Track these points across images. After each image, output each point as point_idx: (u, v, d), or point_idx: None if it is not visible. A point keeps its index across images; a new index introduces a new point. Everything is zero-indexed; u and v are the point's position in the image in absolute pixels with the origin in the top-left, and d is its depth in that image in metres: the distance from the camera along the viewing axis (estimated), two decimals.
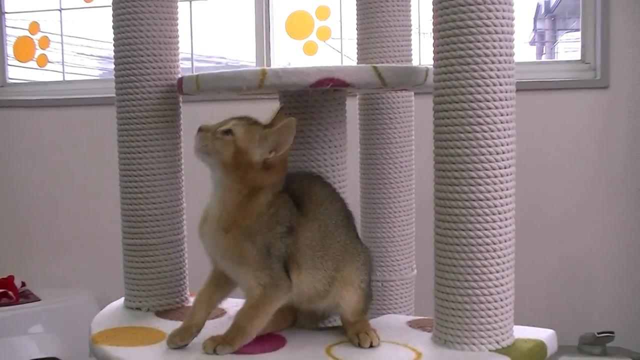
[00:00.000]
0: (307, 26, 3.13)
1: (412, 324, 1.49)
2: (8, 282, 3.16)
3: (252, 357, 1.28)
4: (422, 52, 3.06)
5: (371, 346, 1.33)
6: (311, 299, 1.37)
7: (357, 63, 1.86)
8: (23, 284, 3.26)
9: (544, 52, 3.49)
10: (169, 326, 1.45)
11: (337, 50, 3.17)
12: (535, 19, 3.40)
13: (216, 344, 1.28)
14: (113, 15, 1.64)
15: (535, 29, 3.41)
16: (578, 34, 2.96)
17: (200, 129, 1.30)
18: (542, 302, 2.86)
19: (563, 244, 2.87)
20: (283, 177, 1.33)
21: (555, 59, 3.24)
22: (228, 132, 1.29)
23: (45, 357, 2.96)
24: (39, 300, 3.12)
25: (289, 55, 3.20)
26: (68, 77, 3.59)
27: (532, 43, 3.42)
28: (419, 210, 1.89)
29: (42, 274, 3.42)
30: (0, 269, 3.32)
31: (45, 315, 3.06)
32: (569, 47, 3.24)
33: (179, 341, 1.33)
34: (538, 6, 3.40)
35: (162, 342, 1.37)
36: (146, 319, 1.59)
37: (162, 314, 1.63)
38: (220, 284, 1.37)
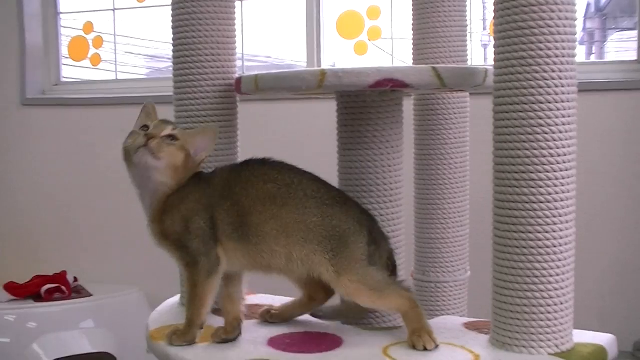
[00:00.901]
0: (358, 26, 3.14)
1: (469, 326, 1.48)
2: (61, 277, 3.21)
3: (309, 356, 1.29)
4: (471, 53, 3.03)
5: (425, 349, 1.32)
6: (270, 269, 1.41)
7: (413, 64, 1.85)
8: (75, 280, 3.32)
9: (593, 52, 3.44)
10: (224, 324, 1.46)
11: (384, 51, 3.16)
12: (584, 18, 3.35)
13: (172, 334, 1.40)
14: (172, 16, 1.66)
15: (584, 29, 3.36)
16: (629, 34, 2.89)
17: (146, 135, 1.37)
18: (594, 306, 2.82)
19: (617, 248, 2.82)
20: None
21: (607, 59, 3.18)
22: (172, 137, 1.38)
23: (96, 351, 3.01)
24: (91, 295, 3.17)
25: (340, 55, 3.20)
26: (119, 76, 3.64)
27: (580, 43, 3.37)
28: (472, 211, 1.88)
29: (94, 271, 3.47)
30: (54, 265, 3.38)
31: (97, 310, 3.10)
32: (620, 46, 3.18)
33: (218, 340, 1.42)
34: (588, 5, 3.35)
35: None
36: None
37: (218, 311, 1.63)
38: (225, 277, 1.45)
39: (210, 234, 1.39)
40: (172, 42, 1.67)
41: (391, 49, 3.15)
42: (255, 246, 1.38)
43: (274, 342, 1.38)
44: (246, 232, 1.39)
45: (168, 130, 1.38)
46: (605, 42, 3.38)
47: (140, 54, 3.72)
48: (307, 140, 3.02)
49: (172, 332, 1.41)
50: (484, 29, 3.14)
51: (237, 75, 1.66)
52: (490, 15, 3.11)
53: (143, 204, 1.43)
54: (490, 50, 3.14)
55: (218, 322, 1.45)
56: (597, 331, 1.41)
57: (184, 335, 1.39)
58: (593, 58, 3.27)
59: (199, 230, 1.39)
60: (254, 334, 1.43)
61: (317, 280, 1.40)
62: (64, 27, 3.71)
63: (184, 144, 1.40)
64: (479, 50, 3.21)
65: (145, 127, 1.40)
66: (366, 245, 1.38)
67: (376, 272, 1.37)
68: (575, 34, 1.24)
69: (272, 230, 1.37)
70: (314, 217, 1.38)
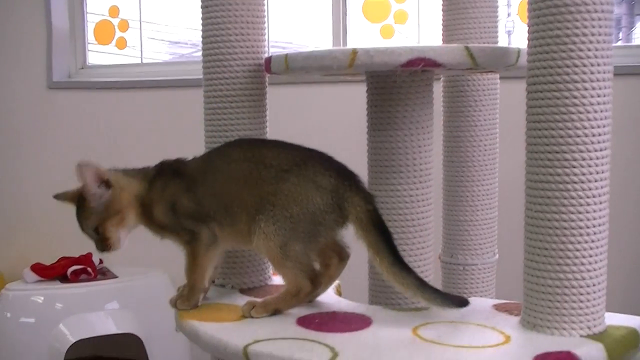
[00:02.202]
0: (384, 10, 3.12)
1: (499, 308, 1.47)
2: (87, 258, 3.24)
3: (338, 335, 1.29)
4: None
5: (251, 317, 1.41)
6: (239, 245, 1.56)
7: (443, 44, 1.84)
8: (101, 261, 3.34)
9: (620, 37, 3.40)
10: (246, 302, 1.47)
11: (407, 37, 3.14)
12: None
13: (177, 298, 1.51)
14: None
15: None
16: None
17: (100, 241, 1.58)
18: (623, 290, 2.80)
19: None
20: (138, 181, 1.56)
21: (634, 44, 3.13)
22: (104, 184, 1.56)
23: (121, 332, 3.03)
24: (116, 277, 3.20)
25: (365, 40, 3.19)
26: (144, 61, 3.65)
27: None
28: (500, 194, 1.87)
29: (119, 253, 3.48)
30: (80, 246, 3.39)
31: (122, 292, 3.13)
32: None
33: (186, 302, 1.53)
34: None
35: (246, 319, 1.41)
36: (231, 296, 1.60)
37: (246, 291, 1.65)
38: None
39: (199, 210, 1.47)
40: (201, 21, 1.66)
41: (417, 33, 3.13)
42: (231, 227, 1.47)
43: (303, 321, 1.38)
44: (222, 215, 1.47)
45: (95, 188, 1.56)
46: (632, 27, 3.34)
47: (163, 40, 3.72)
48: (336, 123, 3.01)
49: (177, 297, 1.51)
50: (508, 15, 3.11)
51: (266, 55, 1.65)
52: (515, 0, 3.09)
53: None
54: (515, 37, 3.11)
55: (243, 300, 1.46)
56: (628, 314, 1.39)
57: (188, 299, 1.50)
58: (620, 43, 3.23)
59: (187, 209, 1.48)
60: (283, 313, 1.43)
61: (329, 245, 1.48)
62: (90, 14, 3.72)
63: (115, 182, 1.57)
64: (504, 37, 3.19)
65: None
66: (319, 211, 1.40)
67: (301, 243, 1.40)
68: (611, 12, 1.22)
69: (238, 208, 1.45)
70: (269, 187, 1.42)
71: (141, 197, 1.52)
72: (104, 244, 1.54)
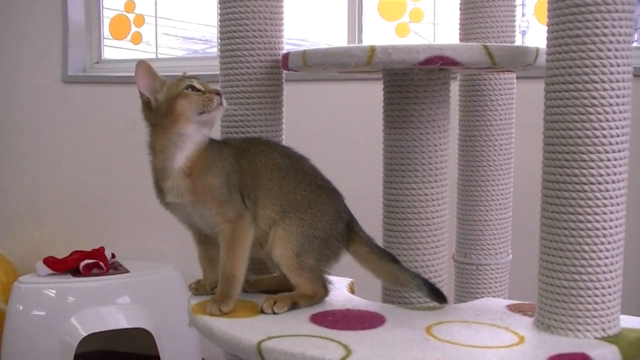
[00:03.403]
0: (400, 8, 3.11)
1: (512, 308, 1.47)
2: (99, 252, 3.26)
3: (352, 333, 1.29)
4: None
5: (274, 313, 1.39)
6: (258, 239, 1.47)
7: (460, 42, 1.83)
8: (113, 256, 3.36)
9: (636, 39, 3.37)
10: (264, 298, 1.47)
11: (421, 36, 3.13)
12: None
13: (218, 304, 1.40)
14: None
15: None
16: None
17: (218, 93, 1.42)
18: (638, 292, 2.78)
19: None
20: None
21: None
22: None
23: (132, 327, 3.04)
24: (128, 272, 3.20)
25: (381, 38, 3.18)
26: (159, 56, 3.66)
27: None
28: (514, 195, 1.87)
29: (131, 247, 3.50)
30: (92, 240, 3.42)
31: (133, 287, 3.14)
32: None
33: (194, 291, 1.56)
34: None
35: (259, 315, 1.40)
36: (243, 292, 1.60)
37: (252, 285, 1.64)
38: (205, 240, 1.53)
39: (240, 190, 1.44)
40: (218, 17, 1.66)
41: (433, 33, 3.12)
42: (263, 210, 1.45)
43: (317, 319, 1.38)
44: (258, 194, 1.45)
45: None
46: None
47: (177, 36, 3.73)
48: (352, 121, 3.01)
49: (217, 301, 1.42)
50: (523, 15, 3.10)
51: (284, 52, 1.65)
52: (530, 0, 3.07)
53: (167, 162, 1.42)
54: (530, 37, 3.10)
55: (256, 296, 1.46)
56: None
57: (230, 296, 1.42)
58: (637, 44, 3.21)
59: (236, 185, 1.43)
60: (296, 310, 1.43)
61: None
62: (106, 9, 3.73)
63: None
64: (518, 37, 3.17)
65: (192, 87, 1.41)
66: (334, 235, 1.47)
67: (314, 259, 1.45)
68: (633, 12, 1.22)
69: (273, 197, 1.45)
70: (303, 192, 1.47)
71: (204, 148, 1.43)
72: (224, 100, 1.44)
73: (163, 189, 1.44)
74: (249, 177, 1.45)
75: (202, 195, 1.41)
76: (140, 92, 1.43)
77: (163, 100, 1.42)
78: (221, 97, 1.40)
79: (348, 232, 1.51)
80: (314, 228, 1.45)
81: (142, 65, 1.43)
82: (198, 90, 1.41)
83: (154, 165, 1.46)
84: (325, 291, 1.50)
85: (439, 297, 1.39)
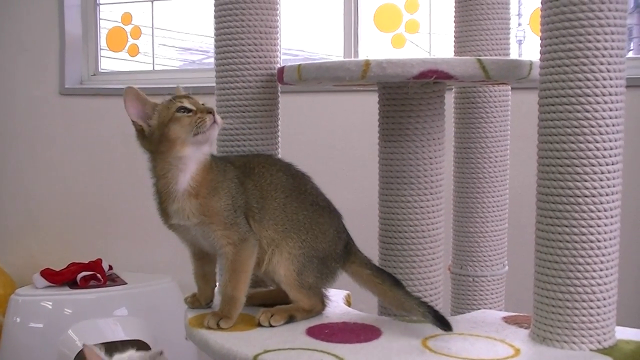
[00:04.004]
0: (396, 19, 3.12)
1: (508, 320, 1.47)
2: (96, 264, 3.25)
3: (348, 346, 1.29)
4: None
5: (271, 326, 1.40)
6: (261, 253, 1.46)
7: (455, 56, 1.84)
8: (110, 268, 3.36)
9: (632, 48, 3.39)
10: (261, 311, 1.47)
11: (420, 47, 3.14)
12: None
13: (217, 319, 1.40)
14: (215, 5, 1.66)
15: None
16: None
17: (210, 111, 1.38)
18: (634, 304, 2.79)
19: None
20: None
21: None
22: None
23: (130, 339, 3.04)
24: (125, 283, 3.21)
25: (376, 49, 3.19)
26: (156, 68, 3.66)
27: None
28: (509, 206, 1.87)
29: (129, 259, 3.50)
30: (90, 252, 3.41)
31: (131, 298, 3.14)
32: None
33: (189, 305, 1.56)
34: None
35: (256, 328, 1.40)
36: None
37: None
38: (203, 257, 1.53)
39: (247, 207, 1.44)
40: (214, 31, 1.67)
41: (429, 43, 3.13)
42: (265, 230, 1.45)
43: (313, 332, 1.38)
44: (262, 215, 1.45)
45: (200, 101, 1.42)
46: None
47: (174, 47, 3.74)
48: (348, 132, 3.02)
49: (216, 316, 1.41)
50: (519, 24, 3.12)
51: (279, 65, 1.66)
52: (526, 10, 3.09)
53: (170, 186, 1.40)
54: (526, 46, 3.11)
55: (251, 309, 1.46)
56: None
57: (230, 316, 1.42)
58: (631, 54, 3.23)
59: (242, 207, 1.42)
60: (293, 323, 1.43)
61: None
62: (103, 20, 3.74)
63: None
64: (514, 46, 3.19)
65: (182, 109, 1.38)
66: (332, 256, 1.48)
67: (317, 277, 1.46)
68: (625, 27, 1.23)
69: (276, 217, 1.45)
70: (305, 211, 1.47)
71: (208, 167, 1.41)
72: (218, 120, 1.41)
73: (168, 212, 1.43)
74: (254, 199, 1.45)
75: (208, 217, 1.40)
76: (132, 120, 1.42)
77: (156, 126, 1.40)
78: (214, 115, 1.38)
79: (346, 253, 1.51)
80: (315, 249, 1.46)
81: (130, 92, 1.41)
82: (190, 110, 1.38)
83: (157, 188, 1.44)
84: (323, 305, 1.51)
85: (444, 324, 1.37)
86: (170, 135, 1.38)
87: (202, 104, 1.40)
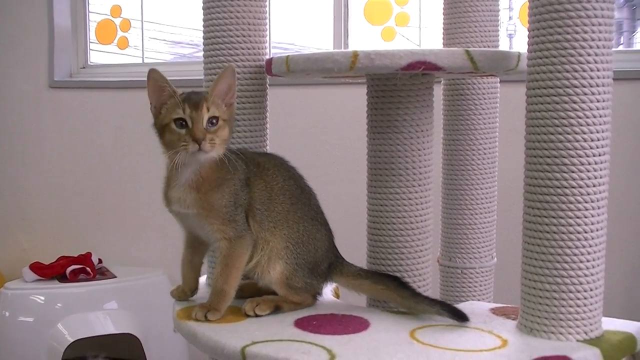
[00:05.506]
0: (386, 12, 3.12)
1: (496, 312, 1.47)
2: (86, 258, 3.25)
3: (336, 337, 1.29)
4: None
5: (256, 315, 1.41)
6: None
7: (444, 47, 1.84)
8: (100, 261, 3.36)
9: (622, 42, 3.40)
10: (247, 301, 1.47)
11: (410, 40, 3.14)
12: None
13: (205, 311, 1.40)
14: None
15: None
16: None
17: (200, 139, 1.34)
18: (621, 295, 2.80)
19: None
20: None
21: (635, 49, 3.14)
22: (214, 119, 1.37)
23: (119, 332, 3.03)
24: (115, 277, 3.21)
25: (367, 42, 3.19)
26: (145, 61, 3.65)
27: None
28: (498, 198, 1.87)
29: (118, 253, 3.50)
30: (80, 246, 3.41)
31: (121, 292, 3.14)
32: None
33: (176, 297, 1.57)
34: None
35: (243, 320, 1.41)
36: None
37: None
38: (195, 246, 1.53)
39: (249, 207, 1.44)
40: (202, 22, 1.66)
41: (419, 36, 3.13)
42: (263, 232, 1.44)
43: (301, 323, 1.38)
44: (264, 216, 1.44)
45: (206, 115, 1.36)
46: (634, 32, 3.34)
47: (164, 40, 3.72)
48: (336, 125, 3.02)
49: (204, 309, 1.41)
50: (510, 18, 3.12)
51: (268, 57, 1.65)
52: (516, 4, 3.09)
53: (173, 173, 1.41)
54: (517, 40, 3.11)
55: (239, 301, 1.46)
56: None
57: (219, 309, 1.41)
58: (621, 48, 3.24)
59: (243, 205, 1.42)
60: (281, 315, 1.43)
61: None
62: (92, 13, 3.72)
63: (222, 114, 1.39)
64: (505, 40, 3.19)
65: (180, 120, 1.36)
66: (321, 259, 1.49)
67: (306, 281, 1.47)
68: (612, 18, 1.23)
69: (277, 222, 1.45)
70: (305, 224, 1.48)
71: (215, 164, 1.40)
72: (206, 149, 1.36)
73: (169, 198, 1.44)
74: (260, 199, 1.45)
75: (207, 210, 1.40)
76: (150, 102, 1.42)
77: (158, 121, 1.40)
78: (200, 145, 1.33)
79: (333, 271, 1.52)
80: (306, 261, 1.46)
81: (151, 75, 1.40)
82: (186, 125, 1.35)
83: (166, 171, 1.45)
84: (313, 300, 1.51)
85: (460, 317, 1.37)
86: (164, 138, 1.40)
87: (211, 117, 1.37)
